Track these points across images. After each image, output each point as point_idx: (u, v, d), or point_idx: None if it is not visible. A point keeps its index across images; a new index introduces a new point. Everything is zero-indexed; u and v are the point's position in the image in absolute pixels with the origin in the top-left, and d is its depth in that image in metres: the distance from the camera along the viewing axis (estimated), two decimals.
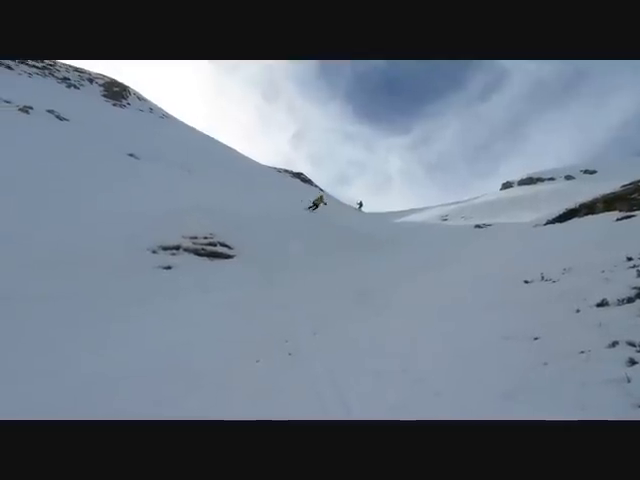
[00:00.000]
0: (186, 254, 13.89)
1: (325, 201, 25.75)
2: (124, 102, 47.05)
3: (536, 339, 4.65)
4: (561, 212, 17.87)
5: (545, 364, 3.93)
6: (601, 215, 14.27)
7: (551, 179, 58.34)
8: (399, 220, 37.82)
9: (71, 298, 9.17)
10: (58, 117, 27.04)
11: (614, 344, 3.85)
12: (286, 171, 57.76)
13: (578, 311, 5.08)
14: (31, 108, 25.77)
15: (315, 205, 24.99)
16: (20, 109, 25.04)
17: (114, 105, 43.80)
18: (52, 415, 4.64)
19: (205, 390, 5.46)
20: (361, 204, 40.60)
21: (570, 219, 16.24)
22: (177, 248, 13.92)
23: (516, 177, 62.83)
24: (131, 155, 24.47)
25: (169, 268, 12.77)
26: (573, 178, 56.55)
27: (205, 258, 14.18)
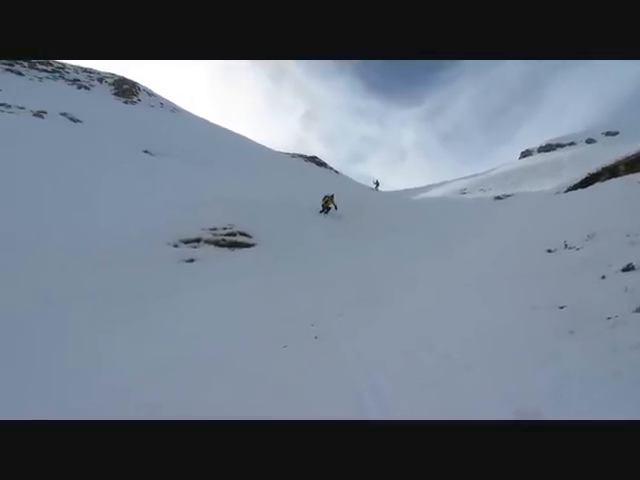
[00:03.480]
0: (207, 246, 14.09)
1: (335, 203, 21.42)
2: (135, 99, 47.26)
3: (562, 308, 4.60)
4: (583, 177, 17.47)
5: (572, 332, 3.90)
6: (624, 178, 13.91)
7: (571, 144, 56.99)
8: (417, 197, 37.47)
9: (100, 296, 9.42)
10: (72, 119, 27.36)
11: None
12: (300, 156, 57.51)
13: (604, 277, 5.00)
14: (45, 112, 26.12)
15: (326, 208, 21.40)
16: (34, 114, 25.41)
17: (125, 103, 44.05)
18: (91, 409, 4.84)
19: (235, 378, 5.58)
20: (377, 183, 40.02)
21: (592, 184, 15.87)
22: (198, 241, 14.13)
23: (535, 144, 61.55)
24: (146, 152, 24.69)
25: (192, 261, 12.98)
26: (594, 141, 55.10)
27: (226, 249, 14.35)
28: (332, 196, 21.42)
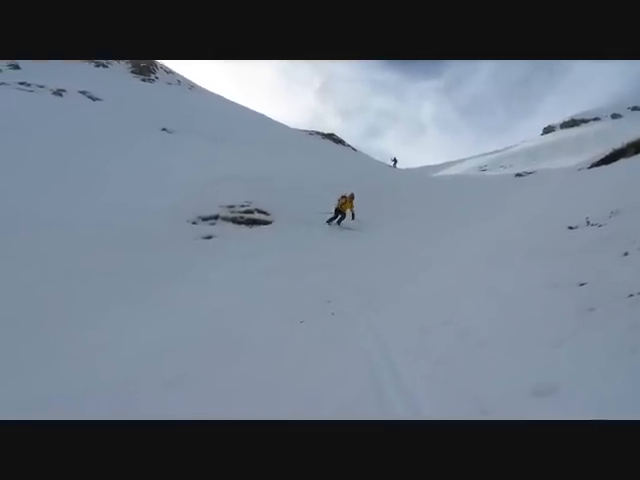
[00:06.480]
0: (225, 223, 14.18)
1: (353, 210, 15.58)
2: (152, 76, 47.25)
3: (582, 285, 4.55)
4: (607, 153, 17.03)
5: (591, 310, 3.86)
6: None
7: (596, 119, 55.40)
8: (436, 174, 37.01)
9: (121, 273, 9.59)
10: (91, 97, 27.50)
11: None
12: (317, 133, 56.97)
13: (626, 254, 4.91)
14: (64, 91, 26.31)
15: (340, 214, 15.44)
16: (53, 92, 25.62)
17: (143, 80, 44.09)
18: (116, 380, 5.00)
19: (256, 351, 5.69)
20: (395, 161, 39.56)
21: (617, 160, 15.46)
22: (215, 218, 14.23)
23: (558, 119, 59.99)
24: (164, 129, 24.75)
25: (210, 238, 13.11)
26: (620, 116, 53.50)
27: (243, 226, 14.43)
28: (352, 197, 15.57)
